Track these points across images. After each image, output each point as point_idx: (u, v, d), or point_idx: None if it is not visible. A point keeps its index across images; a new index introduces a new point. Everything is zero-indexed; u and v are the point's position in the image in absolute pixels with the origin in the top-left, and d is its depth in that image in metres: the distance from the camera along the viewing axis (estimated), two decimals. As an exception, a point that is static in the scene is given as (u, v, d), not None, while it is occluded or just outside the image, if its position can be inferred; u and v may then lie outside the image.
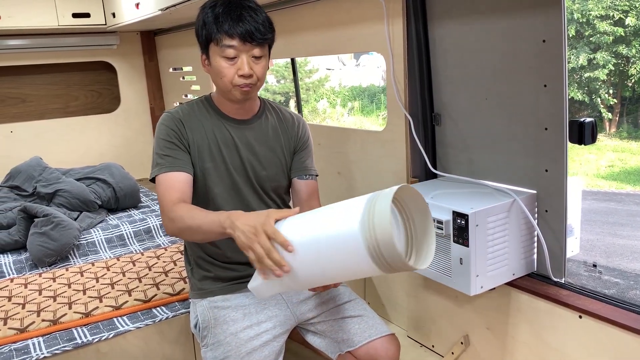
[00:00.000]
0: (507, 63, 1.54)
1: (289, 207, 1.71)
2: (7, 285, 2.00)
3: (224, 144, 1.56)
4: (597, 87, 8.72)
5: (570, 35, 8.57)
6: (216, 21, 1.42)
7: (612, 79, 8.91)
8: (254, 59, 1.45)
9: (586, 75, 8.65)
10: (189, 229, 1.38)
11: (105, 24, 3.16)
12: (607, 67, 8.47)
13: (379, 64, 13.51)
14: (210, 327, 1.52)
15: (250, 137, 1.59)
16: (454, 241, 1.48)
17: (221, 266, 1.61)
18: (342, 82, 14.01)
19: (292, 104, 11.81)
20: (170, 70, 3.74)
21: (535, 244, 1.57)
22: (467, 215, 1.43)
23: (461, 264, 1.48)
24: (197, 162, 1.55)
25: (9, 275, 2.17)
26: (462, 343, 1.72)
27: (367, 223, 1.04)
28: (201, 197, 1.59)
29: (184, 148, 1.52)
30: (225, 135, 1.57)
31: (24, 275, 2.14)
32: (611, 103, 8.92)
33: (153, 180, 1.52)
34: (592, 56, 8.49)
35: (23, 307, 1.80)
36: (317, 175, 1.69)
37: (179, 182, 1.48)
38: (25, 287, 1.98)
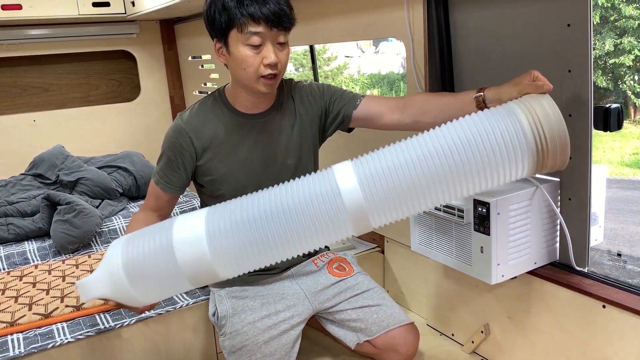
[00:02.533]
0: (530, 48, 1.50)
1: None
2: (32, 272, 2.04)
3: (243, 144, 1.51)
4: (623, 73, 8.53)
5: (595, 22, 8.37)
6: (239, 4, 1.32)
7: (638, 64, 8.70)
8: (279, 46, 1.37)
9: (611, 61, 8.46)
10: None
11: (125, 13, 3.18)
12: (633, 52, 8.27)
13: (399, 50, 13.39)
14: (228, 316, 1.53)
15: (269, 130, 1.53)
16: (475, 229, 1.47)
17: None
18: (361, 70, 13.92)
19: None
20: (189, 58, 3.75)
21: (558, 233, 1.55)
22: (489, 204, 1.41)
23: (482, 252, 1.46)
24: (211, 170, 1.52)
25: (34, 261, 2.21)
26: (482, 332, 1.71)
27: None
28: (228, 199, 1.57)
29: (180, 166, 1.51)
30: (244, 134, 1.51)
31: (47, 261, 2.18)
32: (638, 90, 8.71)
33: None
34: (617, 41, 8.29)
35: (47, 293, 1.83)
36: (364, 97, 1.58)
37: (158, 196, 1.55)
38: (49, 273, 2.01)
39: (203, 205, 1.67)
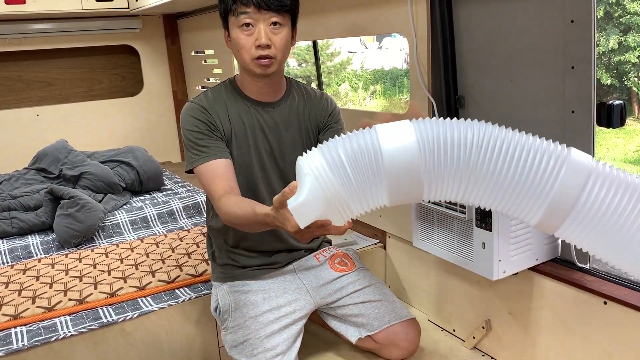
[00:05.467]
0: (533, 44, 1.50)
1: None
2: (35, 265, 2.05)
3: (252, 129, 1.51)
4: (627, 70, 8.49)
5: (599, 17, 8.33)
6: None
7: (642, 61, 8.66)
8: (272, 28, 1.39)
9: (616, 58, 8.42)
10: (237, 225, 1.36)
11: (128, 8, 3.18)
12: (637, 49, 8.22)
13: (402, 46, 13.35)
14: (230, 310, 1.54)
15: (278, 121, 1.54)
16: (477, 225, 1.47)
17: (243, 254, 1.61)
18: (364, 65, 13.89)
19: (314, 87, 11.74)
20: (192, 53, 3.75)
21: (560, 229, 1.55)
22: (490, 200, 1.41)
23: (483, 248, 1.46)
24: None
25: (37, 255, 2.22)
26: (483, 328, 1.71)
27: None
28: None
29: (215, 136, 1.46)
30: (253, 120, 1.52)
31: (51, 255, 2.19)
32: (642, 86, 8.68)
33: (189, 171, 1.47)
34: (622, 38, 8.25)
35: (50, 287, 1.84)
36: None
37: (220, 170, 1.42)
38: (53, 267, 2.02)
39: (208, 199, 1.67)
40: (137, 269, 1.96)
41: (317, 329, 1.84)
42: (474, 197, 1.01)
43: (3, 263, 2.15)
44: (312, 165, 1.00)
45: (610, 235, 0.94)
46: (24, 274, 1.97)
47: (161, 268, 1.95)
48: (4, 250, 2.23)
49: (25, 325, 1.63)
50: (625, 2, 8.21)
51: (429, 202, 1.59)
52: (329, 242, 1.81)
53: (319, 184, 1.00)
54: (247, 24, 1.38)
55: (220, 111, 1.50)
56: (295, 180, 1.06)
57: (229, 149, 1.49)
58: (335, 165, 0.99)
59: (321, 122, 1.61)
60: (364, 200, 1.03)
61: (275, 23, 1.39)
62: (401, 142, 0.97)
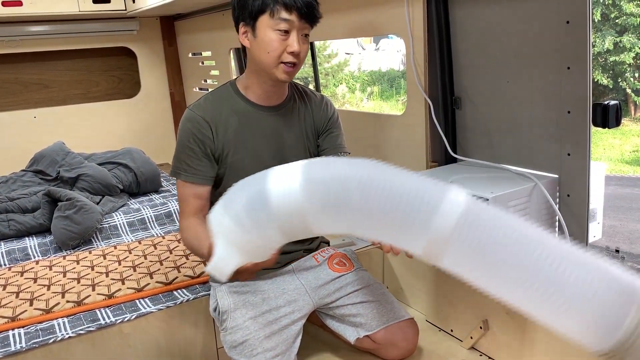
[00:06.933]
0: (529, 45, 1.51)
1: None
2: (33, 267, 2.04)
3: (254, 134, 1.52)
4: (623, 70, 8.52)
5: (596, 19, 8.36)
6: None
7: (638, 62, 8.69)
8: (303, 38, 1.42)
9: (612, 59, 8.45)
10: (188, 248, 1.54)
11: (125, 10, 3.18)
12: (633, 50, 8.26)
13: (399, 47, 13.38)
14: (229, 311, 1.54)
15: (279, 124, 1.54)
16: (474, 226, 1.47)
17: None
18: (362, 67, 13.91)
19: (311, 88, 11.76)
20: (190, 55, 3.75)
21: (557, 229, 1.55)
22: (488, 200, 1.41)
23: (481, 248, 1.47)
24: (225, 157, 1.52)
25: (35, 257, 2.22)
26: (481, 328, 1.71)
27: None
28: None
29: (205, 155, 1.49)
30: (254, 124, 1.52)
31: (48, 257, 2.19)
32: (638, 87, 8.71)
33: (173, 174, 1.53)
34: (618, 39, 8.28)
35: (48, 289, 1.84)
36: (349, 154, 1.65)
37: (198, 192, 1.50)
38: (50, 269, 2.02)
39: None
40: (135, 270, 1.96)
41: (315, 329, 1.85)
42: (360, 232, 1.05)
43: (1, 265, 2.14)
44: (216, 222, 1.12)
45: (486, 265, 0.99)
46: (21, 276, 1.97)
47: (159, 269, 1.95)
48: (2, 252, 2.23)
49: (23, 327, 1.63)
50: (621, 3, 8.24)
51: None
52: (327, 243, 1.81)
53: (226, 239, 1.11)
54: (285, 31, 1.39)
55: (220, 116, 1.50)
56: None
57: (228, 155, 1.51)
58: (236, 217, 1.07)
59: (320, 126, 1.62)
60: (267, 241, 1.11)
61: (306, 35, 1.43)
62: (288, 185, 1.02)
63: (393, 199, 0.97)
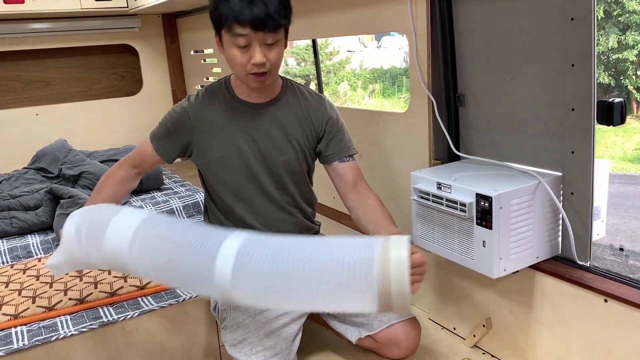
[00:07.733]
0: (533, 42, 1.50)
1: (308, 197, 1.69)
2: (35, 265, 2.04)
3: (239, 130, 1.53)
4: (626, 68, 8.49)
5: (599, 16, 8.33)
6: (227, 5, 1.35)
7: (641, 59, 8.66)
8: (267, 46, 1.39)
9: (614, 57, 8.42)
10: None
11: (127, 7, 3.17)
12: (636, 47, 8.23)
13: (401, 45, 13.35)
14: (229, 309, 1.54)
15: (266, 122, 1.55)
16: (477, 224, 1.47)
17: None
18: (363, 64, 13.89)
19: (313, 86, 11.75)
20: (192, 52, 3.74)
21: (560, 227, 1.55)
22: (491, 198, 1.41)
23: (484, 246, 1.46)
24: (207, 152, 1.54)
25: (37, 255, 2.22)
26: (484, 326, 1.71)
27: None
28: (217, 186, 1.59)
29: (175, 141, 1.59)
30: (241, 121, 1.53)
31: (51, 255, 2.19)
32: (640, 85, 8.68)
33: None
34: (621, 37, 8.25)
35: (50, 286, 1.84)
36: (357, 153, 1.65)
37: (147, 157, 1.65)
38: (52, 266, 2.02)
39: (207, 198, 1.68)
40: (137, 268, 1.96)
41: (317, 328, 1.84)
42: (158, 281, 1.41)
43: (3, 263, 2.14)
44: (69, 222, 1.32)
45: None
46: (24, 273, 1.97)
47: (161, 267, 1.95)
48: (4, 249, 2.23)
49: (25, 324, 1.63)
50: (624, 1, 8.22)
51: (430, 200, 1.59)
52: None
53: (64, 247, 1.34)
54: (244, 45, 1.37)
55: (207, 113, 1.54)
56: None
57: (210, 150, 1.56)
58: (79, 232, 1.28)
59: (319, 127, 1.61)
60: (92, 265, 1.33)
61: (272, 43, 1.39)
62: (121, 237, 1.23)
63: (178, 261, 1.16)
